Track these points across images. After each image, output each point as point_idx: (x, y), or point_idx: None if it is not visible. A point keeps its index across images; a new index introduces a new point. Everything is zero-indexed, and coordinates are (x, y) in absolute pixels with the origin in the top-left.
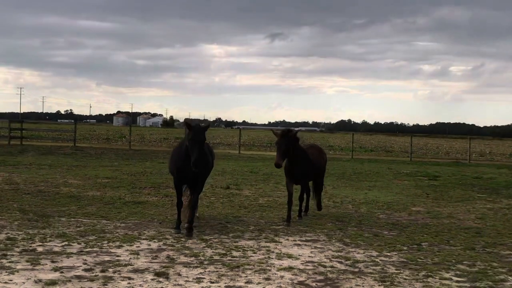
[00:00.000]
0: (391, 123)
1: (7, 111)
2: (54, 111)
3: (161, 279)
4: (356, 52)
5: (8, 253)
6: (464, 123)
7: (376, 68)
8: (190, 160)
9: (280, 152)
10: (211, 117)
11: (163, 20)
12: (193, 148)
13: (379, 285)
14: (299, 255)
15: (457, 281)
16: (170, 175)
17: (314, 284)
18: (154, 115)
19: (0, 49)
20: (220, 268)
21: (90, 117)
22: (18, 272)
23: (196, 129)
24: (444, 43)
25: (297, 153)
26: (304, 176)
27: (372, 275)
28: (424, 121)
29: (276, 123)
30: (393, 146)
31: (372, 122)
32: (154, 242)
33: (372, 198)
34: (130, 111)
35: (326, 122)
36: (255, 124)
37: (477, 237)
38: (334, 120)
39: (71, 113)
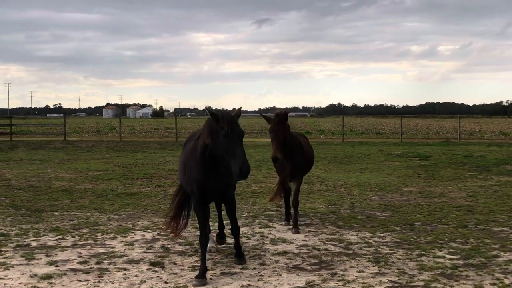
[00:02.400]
0: (381, 105)
1: None
2: (43, 106)
3: (156, 269)
4: (344, 35)
5: (3, 249)
6: (453, 102)
7: (364, 51)
8: (217, 168)
9: (278, 142)
10: (201, 106)
11: (149, 10)
12: (235, 148)
13: (373, 266)
14: (293, 240)
15: (450, 259)
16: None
17: (309, 267)
18: (144, 106)
19: None
20: (215, 256)
21: (80, 110)
22: (13, 267)
23: (230, 118)
24: (432, 23)
25: (291, 142)
26: (299, 171)
27: (366, 256)
28: (414, 102)
29: (267, 110)
30: (384, 128)
31: (362, 105)
32: (148, 232)
33: (364, 180)
34: (119, 103)
35: (316, 106)
36: (246, 111)
37: (469, 215)
38: (324, 104)
39: (60, 107)
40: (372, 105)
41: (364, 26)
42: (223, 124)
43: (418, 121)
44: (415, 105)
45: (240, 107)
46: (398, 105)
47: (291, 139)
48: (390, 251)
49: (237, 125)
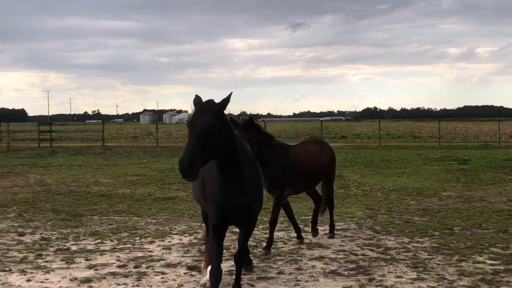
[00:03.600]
0: (418, 108)
1: (36, 114)
2: (82, 112)
3: (193, 273)
4: (380, 38)
5: (43, 253)
6: (492, 105)
7: (400, 54)
8: (238, 183)
9: None
10: (236, 111)
11: (183, 16)
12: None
13: (411, 271)
14: (329, 244)
15: (491, 264)
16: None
17: (346, 272)
18: (180, 111)
19: (26, 53)
20: (252, 260)
21: (117, 116)
22: (53, 271)
23: (197, 106)
24: (470, 24)
25: (263, 152)
26: (276, 184)
27: (404, 261)
28: (452, 105)
29: (301, 114)
30: (421, 132)
31: (398, 109)
32: (185, 236)
33: (401, 184)
34: (156, 109)
35: (351, 110)
36: (280, 116)
37: (510, 220)
38: (359, 108)
39: (98, 113)
40: (409, 109)
41: (400, 29)
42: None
43: (456, 124)
44: (453, 108)
45: (231, 92)
46: (435, 108)
47: (268, 148)
48: (429, 257)
49: (202, 114)
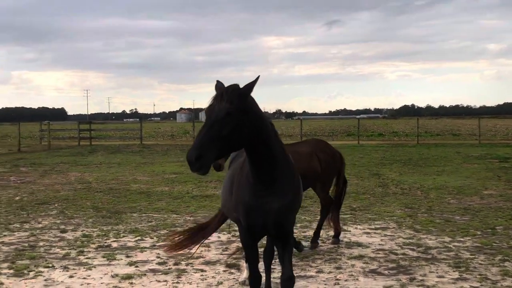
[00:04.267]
0: (457, 105)
1: (75, 113)
2: (120, 111)
3: (233, 270)
4: (418, 35)
5: (85, 250)
6: None
7: (439, 50)
8: (271, 184)
9: None
10: (271, 109)
11: (220, 15)
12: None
13: (453, 271)
14: (369, 244)
15: None
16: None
17: (386, 272)
18: None
19: (66, 53)
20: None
21: (154, 115)
22: (95, 267)
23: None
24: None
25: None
26: None
27: (446, 261)
28: (492, 102)
29: (337, 112)
30: (460, 129)
31: (436, 106)
32: (224, 234)
33: (441, 183)
34: (192, 107)
35: (388, 108)
36: (315, 114)
37: None
38: (397, 105)
39: (136, 112)
40: (448, 106)
41: (439, 25)
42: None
43: (497, 121)
44: (493, 105)
45: (258, 76)
46: (475, 105)
47: None
48: (471, 256)
49: (219, 100)
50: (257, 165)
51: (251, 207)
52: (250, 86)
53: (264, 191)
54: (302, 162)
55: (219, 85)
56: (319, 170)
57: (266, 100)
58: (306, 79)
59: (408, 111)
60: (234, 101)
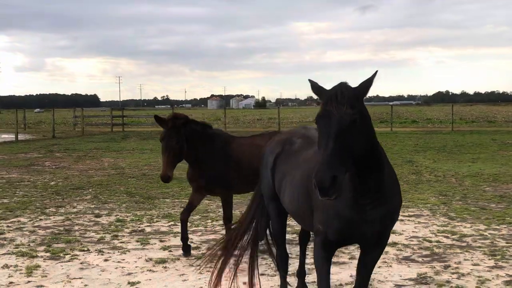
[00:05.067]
0: (493, 92)
1: (108, 99)
2: (151, 98)
3: (265, 255)
4: (453, 20)
5: (119, 234)
6: None
7: (475, 36)
8: (377, 191)
9: (170, 154)
10: (302, 96)
11: (251, 1)
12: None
13: (489, 259)
14: (402, 231)
15: None
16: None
17: (420, 259)
18: (246, 96)
19: (98, 40)
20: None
21: (185, 101)
22: (129, 251)
23: (330, 94)
24: None
25: (199, 144)
26: (218, 183)
27: (481, 249)
28: None
29: (370, 98)
30: (496, 116)
31: (471, 92)
32: None
33: (476, 170)
34: (223, 94)
35: (422, 94)
36: None
37: None
38: (430, 92)
39: (168, 98)
40: (483, 92)
41: (474, 10)
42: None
43: None
44: None
45: (376, 71)
46: (511, 92)
47: (204, 139)
48: (507, 244)
49: (337, 105)
50: (366, 173)
51: (351, 220)
52: (368, 84)
53: (367, 200)
54: (258, 157)
55: (316, 85)
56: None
57: (298, 87)
58: (338, 66)
59: (443, 98)
60: (356, 104)
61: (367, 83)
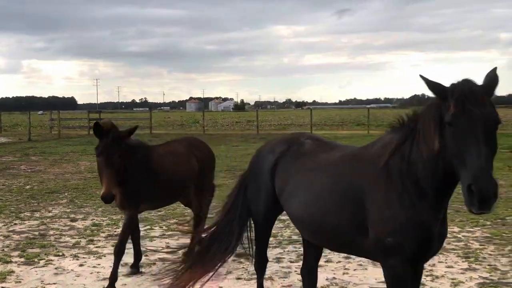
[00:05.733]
0: None
1: (85, 102)
2: (129, 100)
3: (242, 260)
4: (429, 24)
5: (95, 239)
6: None
7: (450, 39)
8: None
9: (112, 171)
10: (281, 98)
11: (230, 4)
12: (469, 146)
13: (463, 261)
14: None
15: None
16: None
17: None
18: (225, 99)
19: (75, 42)
20: (299, 248)
21: (164, 104)
22: (105, 256)
23: (464, 92)
24: None
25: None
26: (131, 199)
27: (455, 251)
28: (503, 91)
29: (347, 101)
30: None
31: None
32: None
33: None
34: (202, 97)
35: (399, 97)
36: (326, 104)
37: None
38: (407, 95)
39: (146, 101)
40: None
41: (450, 14)
42: (451, 103)
43: (508, 111)
44: (504, 94)
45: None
46: None
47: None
48: (480, 247)
49: (478, 103)
50: (455, 184)
51: (431, 231)
52: (496, 82)
53: (439, 206)
54: (181, 164)
55: (433, 82)
56: (197, 171)
57: (277, 89)
58: (317, 69)
59: (419, 101)
60: (493, 103)
61: (494, 81)
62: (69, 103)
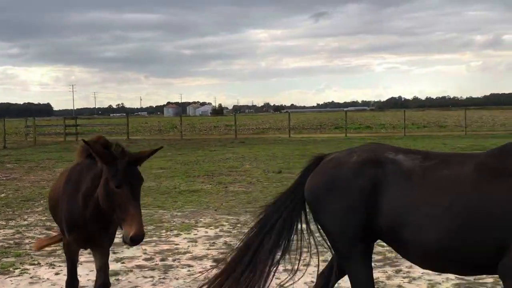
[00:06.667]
0: (443, 97)
1: (61, 108)
2: (106, 106)
3: (220, 265)
4: (405, 27)
5: None
6: None
7: (426, 42)
8: None
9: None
10: (259, 102)
11: (207, 8)
12: None
13: None
14: None
15: None
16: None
17: (372, 264)
18: (203, 104)
19: (50, 48)
20: (278, 252)
21: (141, 109)
22: (81, 264)
23: None
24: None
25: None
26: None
27: None
28: (478, 93)
29: (325, 105)
30: (447, 121)
31: (423, 98)
32: (211, 229)
33: None
34: (180, 101)
35: (376, 100)
36: (304, 107)
37: None
38: (384, 98)
39: (123, 106)
40: (434, 98)
41: (425, 17)
42: None
43: (483, 113)
44: (479, 96)
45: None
46: (461, 96)
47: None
48: None
49: None
50: None
51: None
52: None
53: None
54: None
55: None
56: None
57: (255, 93)
58: (294, 72)
59: (395, 103)
60: None
61: None
62: (45, 110)
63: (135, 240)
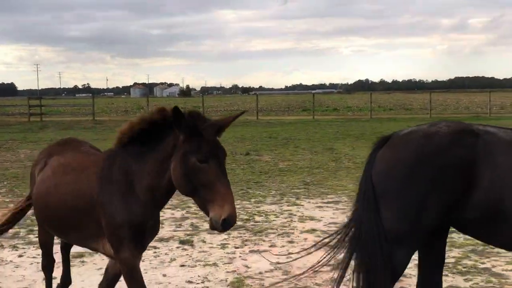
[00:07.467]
0: (410, 80)
1: (25, 88)
2: (72, 86)
3: (186, 247)
4: (373, 10)
5: (35, 228)
6: (483, 76)
7: (393, 25)
8: None
9: None
10: (227, 84)
11: None
12: None
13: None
14: (321, 217)
15: None
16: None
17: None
18: (171, 85)
19: (12, 26)
20: (244, 234)
21: (108, 90)
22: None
23: None
24: None
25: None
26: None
27: None
28: (443, 76)
29: (293, 87)
30: (412, 104)
31: (390, 81)
32: (178, 211)
33: None
34: (147, 82)
35: (343, 83)
36: (272, 89)
37: None
38: (351, 80)
39: (89, 87)
40: (400, 81)
41: (392, 0)
42: None
43: (448, 96)
44: (445, 79)
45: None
46: (427, 80)
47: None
48: None
49: None
50: None
51: None
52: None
53: None
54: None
55: None
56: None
57: (224, 75)
58: (263, 54)
59: (362, 86)
60: None
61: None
62: (8, 89)
63: (229, 223)
